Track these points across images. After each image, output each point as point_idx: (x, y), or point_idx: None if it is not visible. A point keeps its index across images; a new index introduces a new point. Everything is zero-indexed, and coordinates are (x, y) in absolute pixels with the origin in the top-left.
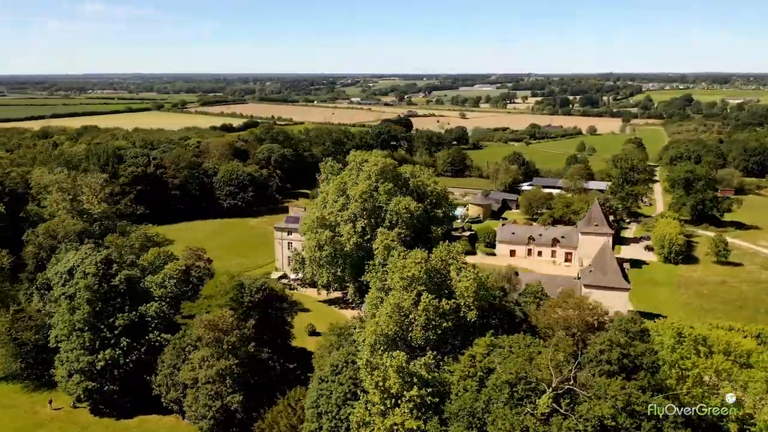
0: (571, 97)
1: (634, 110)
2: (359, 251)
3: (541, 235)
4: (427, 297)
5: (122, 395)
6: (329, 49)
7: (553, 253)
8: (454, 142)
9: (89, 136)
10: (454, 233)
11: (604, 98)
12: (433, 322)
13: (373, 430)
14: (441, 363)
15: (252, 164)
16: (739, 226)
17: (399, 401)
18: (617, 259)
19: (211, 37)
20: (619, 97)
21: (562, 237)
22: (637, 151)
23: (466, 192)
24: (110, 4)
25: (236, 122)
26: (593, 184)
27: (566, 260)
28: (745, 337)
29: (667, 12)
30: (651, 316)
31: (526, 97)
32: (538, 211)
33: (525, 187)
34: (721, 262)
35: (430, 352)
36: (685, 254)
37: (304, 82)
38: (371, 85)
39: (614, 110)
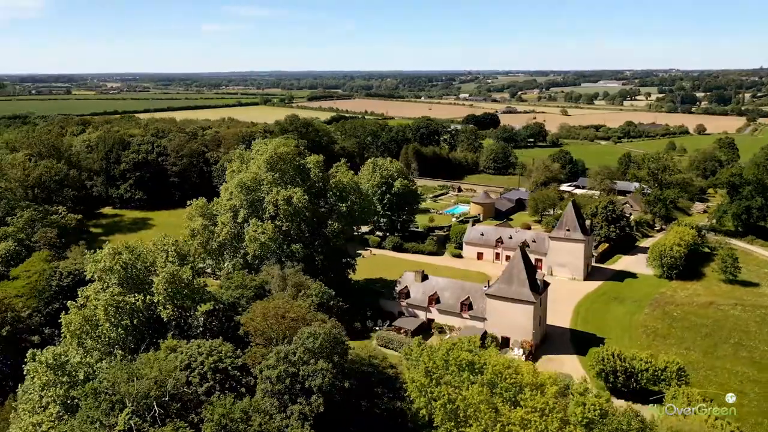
0: (702, 94)
1: None
2: (239, 243)
3: (510, 237)
4: (111, 291)
5: None
6: (458, 47)
7: None
8: (530, 140)
9: (113, 125)
10: (439, 232)
11: (739, 95)
12: (113, 319)
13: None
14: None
15: None
16: None
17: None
18: (606, 269)
19: (346, 37)
20: (759, 95)
21: (533, 241)
22: (723, 152)
23: (487, 190)
24: (260, 6)
25: (324, 116)
26: (624, 185)
27: (536, 267)
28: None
29: None
30: (584, 336)
31: (649, 94)
32: (546, 213)
33: (564, 187)
34: (730, 280)
35: (119, 351)
36: (679, 268)
37: (423, 79)
38: (490, 81)
39: (743, 108)
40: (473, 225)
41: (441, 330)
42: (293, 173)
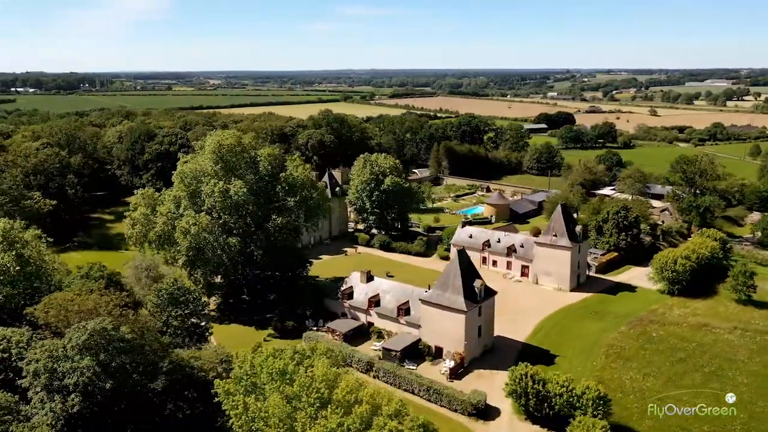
0: None
1: None
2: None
3: (498, 241)
4: None
5: None
6: (557, 46)
7: (509, 265)
8: (600, 141)
9: (148, 117)
10: (440, 232)
11: None
12: None
13: None
14: None
15: (289, 147)
16: None
17: None
18: (605, 281)
19: (443, 37)
20: None
21: (521, 246)
22: None
23: (515, 191)
24: (370, 6)
25: (393, 112)
26: (662, 190)
27: (522, 274)
28: None
29: None
30: (534, 352)
31: (759, 94)
32: None
33: (607, 190)
34: (743, 300)
35: None
36: (683, 283)
37: (515, 77)
38: (586, 80)
39: None
40: (463, 227)
41: (379, 334)
42: (244, 166)
